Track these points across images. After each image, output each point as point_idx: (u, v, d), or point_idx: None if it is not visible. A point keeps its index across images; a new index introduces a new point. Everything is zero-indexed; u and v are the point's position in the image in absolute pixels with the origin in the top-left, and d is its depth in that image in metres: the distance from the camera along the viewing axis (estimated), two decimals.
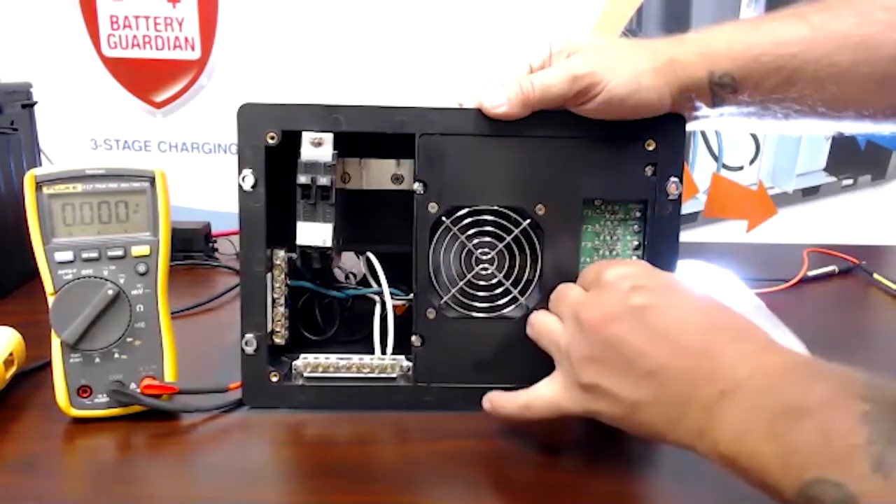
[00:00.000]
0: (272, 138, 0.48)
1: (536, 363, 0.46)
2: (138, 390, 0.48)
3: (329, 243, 0.48)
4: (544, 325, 0.47)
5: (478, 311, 0.51)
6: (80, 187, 0.47)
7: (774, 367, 0.35)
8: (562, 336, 0.44)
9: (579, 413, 0.42)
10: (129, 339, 0.48)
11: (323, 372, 0.51)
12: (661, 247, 0.50)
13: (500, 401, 0.47)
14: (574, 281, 0.50)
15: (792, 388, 0.33)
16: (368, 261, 0.53)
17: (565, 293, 0.46)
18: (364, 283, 0.55)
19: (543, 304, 0.50)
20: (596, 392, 0.41)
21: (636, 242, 0.52)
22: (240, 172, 0.49)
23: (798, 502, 0.31)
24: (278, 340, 0.52)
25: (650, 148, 0.49)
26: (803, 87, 0.46)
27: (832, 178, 1.50)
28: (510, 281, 0.51)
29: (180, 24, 1.36)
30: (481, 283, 0.51)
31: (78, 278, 0.47)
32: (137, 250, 0.48)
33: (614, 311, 0.40)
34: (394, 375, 0.51)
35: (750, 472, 0.34)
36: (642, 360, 0.39)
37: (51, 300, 0.47)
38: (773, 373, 0.35)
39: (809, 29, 0.46)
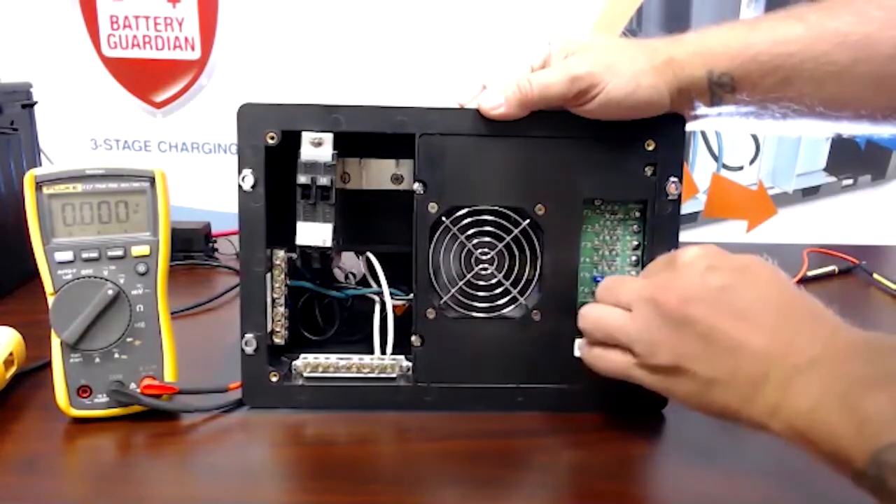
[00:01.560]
0: (272, 138, 0.48)
1: (537, 363, 0.47)
2: (138, 390, 0.48)
3: (329, 243, 0.48)
4: (602, 318, 0.45)
5: (478, 311, 0.51)
6: (80, 187, 0.47)
7: (848, 343, 0.36)
8: (631, 323, 0.43)
9: (650, 388, 0.42)
10: (129, 339, 0.48)
11: (323, 372, 0.51)
12: (661, 247, 0.50)
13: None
14: (574, 281, 0.50)
15: (865, 362, 0.34)
16: (368, 261, 0.53)
17: (623, 283, 0.45)
18: (364, 283, 0.55)
19: (543, 303, 0.50)
20: (672, 372, 0.41)
21: (636, 242, 0.52)
22: (240, 172, 0.49)
23: (868, 469, 0.32)
24: (278, 340, 0.52)
25: (650, 148, 0.49)
26: (801, 86, 0.47)
27: (832, 178, 1.50)
28: (510, 281, 0.51)
29: (180, 24, 1.36)
30: (481, 283, 0.51)
31: (78, 278, 0.47)
32: (137, 250, 0.48)
33: (692, 291, 0.40)
34: (394, 375, 0.51)
35: (821, 444, 0.34)
36: (720, 339, 0.39)
37: (51, 300, 0.47)
38: (846, 348, 0.36)
39: (807, 28, 0.46)
